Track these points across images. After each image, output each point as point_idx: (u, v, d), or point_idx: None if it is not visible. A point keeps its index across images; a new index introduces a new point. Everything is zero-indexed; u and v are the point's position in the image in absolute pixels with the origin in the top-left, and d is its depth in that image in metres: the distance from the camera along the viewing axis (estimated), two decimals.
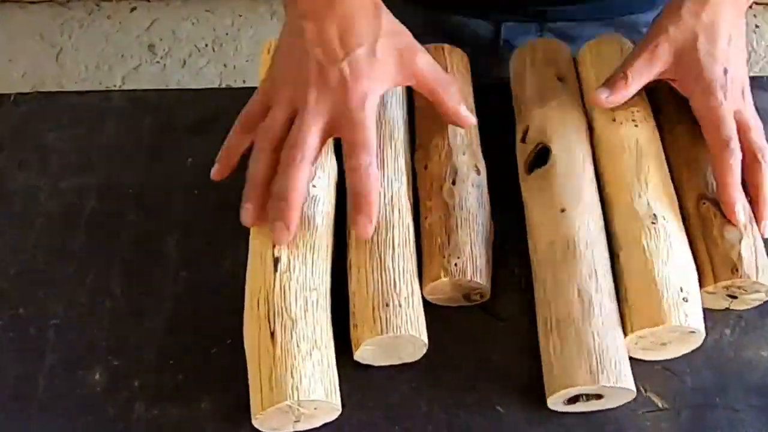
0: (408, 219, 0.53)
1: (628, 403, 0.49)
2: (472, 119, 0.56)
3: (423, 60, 0.54)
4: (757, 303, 0.53)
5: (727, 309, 0.53)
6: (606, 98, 0.55)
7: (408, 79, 0.54)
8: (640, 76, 0.55)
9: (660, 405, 0.50)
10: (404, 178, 0.55)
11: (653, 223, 0.51)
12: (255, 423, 0.47)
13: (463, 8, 0.72)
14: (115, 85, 1.59)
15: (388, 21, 0.53)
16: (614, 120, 0.57)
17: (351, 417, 0.49)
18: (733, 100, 0.54)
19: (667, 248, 0.51)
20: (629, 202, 0.53)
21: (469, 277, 0.51)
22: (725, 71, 0.54)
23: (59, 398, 0.50)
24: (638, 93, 0.57)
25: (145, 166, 0.57)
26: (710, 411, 0.50)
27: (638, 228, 0.52)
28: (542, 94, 0.59)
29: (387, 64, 0.52)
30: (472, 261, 0.51)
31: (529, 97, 0.60)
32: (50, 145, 0.63)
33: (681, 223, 0.53)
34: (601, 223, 0.53)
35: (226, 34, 1.67)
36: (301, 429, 0.48)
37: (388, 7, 0.55)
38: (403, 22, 0.56)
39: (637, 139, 0.56)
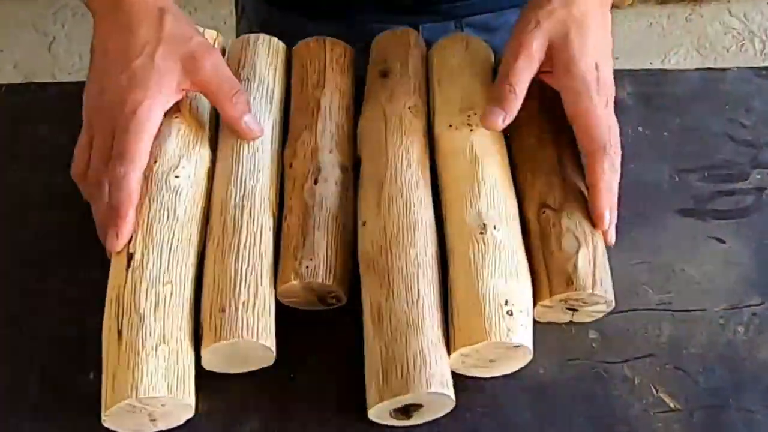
0: (264, 219, 0.51)
1: (640, 403, 0.48)
2: (253, 132, 0.53)
3: (209, 66, 0.52)
4: (600, 315, 0.51)
5: (571, 322, 0.52)
6: (502, 120, 0.52)
7: (193, 86, 0.53)
8: (524, 80, 0.53)
9: (672, 406, 0.48)
10: (264, 177, 0.53)
11: (482, 233, 0.49)
12: (106, 424, 0.46)
13: (379, 17, 0.70)
14: None
15: (173, 26, 0.52)
16: (450, 125, 0.55)
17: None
18: (605, 95, 0.52)
19: (495, 260, 0.48)
20: (461, 212, 0.51)
21: (320, 280, 0.49)
22: (596, 66, 0.52)
23: (52, 400, 0.49)
24: (477, 95, 0.56)
25: None
26: (724, 412, 0.48)
27: (466, 239, 0.49)
28: (368, 95, 0.58)
29: (166, 73, 0.51)
30: (325, 263, 0.49)
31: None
32: (43, 138, 0.62)
33: (518, 233, 0.51)
34: (416, 233, 0.50)
35: (224, 23, 1.65)
36: (163, 428, 0.47)
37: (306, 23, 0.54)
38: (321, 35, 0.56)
39: (473, 144, 0.53)
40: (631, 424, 0.48)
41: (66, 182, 0.57)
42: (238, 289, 0.47)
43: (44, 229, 0.57)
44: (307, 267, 0.49)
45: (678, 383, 0.49)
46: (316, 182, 0.52)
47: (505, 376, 0.49)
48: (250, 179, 0.52)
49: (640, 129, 0.62)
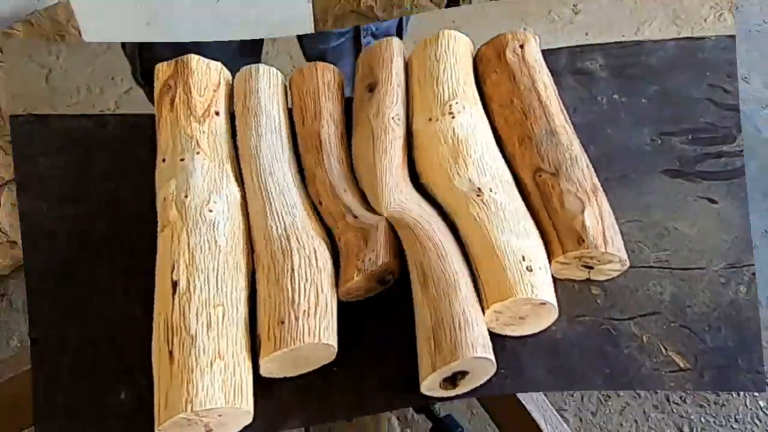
0: (315, 243, 0.52)
1: (651, 361, 0.49)
2: None
3: None
4: (616, 273, 0.52)
5: (588, 279, 0.52)
6: None
7: None
8: None
9: (682, 365, 0.49)
10: (299, 211, 0.54)
11: (478, 195, 0.51)
12: None
13: None
14: (108, 109, 1.57)
15: None
16: (429, 119, 0.57)
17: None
18: None
19: (499, 219, 0.50)
20: (447, 184, 0.53)
21: (380, 262, 0.50)
22: None
23: (80, 421, 0.49)
24: (458, 86, 0.58)
25: (145, 189, 0.56)
26: (734, 372, 0.49)
27: (463, 201, 0.51)
28: (357, 112, 0.60)
29: None
30: (385, 246, 0.51)
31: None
32: (44, 171, 0.61)
33: (517, 196, 0.52)
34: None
35: None
36: None
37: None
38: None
39: (454, 128, 0.55)
40: (643, 383, 0.48)
41: (75, 214, 0.56)
42: (297, 301, 0.49)
43: (55, 260, 0.55)
44: (370, 259, 0.50)
45: (686, 342, 0.50)
46: (354, 216, 0.54)
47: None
48: (287, 214, 0.54)
49: (616, 97, 0.61)
